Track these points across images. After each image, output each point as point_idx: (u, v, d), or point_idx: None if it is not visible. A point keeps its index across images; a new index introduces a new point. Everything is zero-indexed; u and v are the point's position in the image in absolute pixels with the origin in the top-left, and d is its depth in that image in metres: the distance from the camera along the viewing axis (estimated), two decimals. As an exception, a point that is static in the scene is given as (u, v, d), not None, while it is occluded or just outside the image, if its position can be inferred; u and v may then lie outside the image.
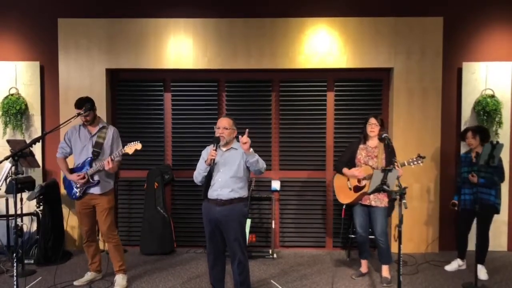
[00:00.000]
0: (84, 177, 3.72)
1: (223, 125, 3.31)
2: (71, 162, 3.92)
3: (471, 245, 4.64)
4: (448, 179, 5.05)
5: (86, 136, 3.84)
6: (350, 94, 5.17)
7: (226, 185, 3.25)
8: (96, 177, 3.77)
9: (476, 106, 4.97)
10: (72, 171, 3.82)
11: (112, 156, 3.66)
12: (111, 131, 3.87)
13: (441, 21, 4.93)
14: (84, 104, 3.74)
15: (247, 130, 3.18)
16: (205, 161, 3.27)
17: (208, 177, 3.29)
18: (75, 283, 3.96)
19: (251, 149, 3.19)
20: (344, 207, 4.30)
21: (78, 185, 3.77)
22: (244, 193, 3.35)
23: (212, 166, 3.24)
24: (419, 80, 4.95)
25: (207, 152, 3.34)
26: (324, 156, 5.19)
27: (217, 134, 3.30)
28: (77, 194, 3.81)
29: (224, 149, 3.35)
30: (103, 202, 3.82)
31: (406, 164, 3.82)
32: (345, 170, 4.05)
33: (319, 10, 5.02)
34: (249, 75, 5.20)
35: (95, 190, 3.80)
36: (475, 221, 4.19)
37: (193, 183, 3.48)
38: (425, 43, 4.93)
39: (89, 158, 3.77)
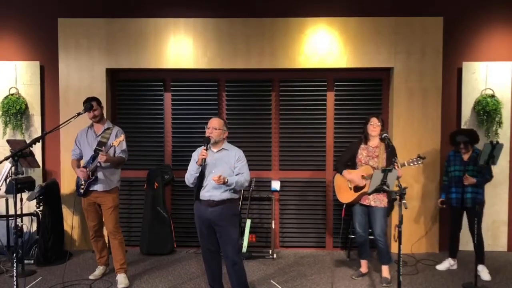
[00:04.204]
0: (86, 171, 3.82)
1: (213, 125, 3.31)
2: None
3: (462, 246, 4.68)
4: (448, 179, 5.05)
5: (93, 136, 3.95)
6: (350, 94, 5.17)
7: (218, 186, 3.24)
8: (96, 174, 3.81)
9: (476, 106, 4.97)
10: None
11: (104, 149, 3.72)
12: (115, 131, 3.95)
13: (441, 21, 4.93)
14: (86, 103, 3.86)
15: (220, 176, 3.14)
16: (196, 162, 3.26)
17: (200, 178, 3.31)
18: (90, 277, 4.09)
19: (225, 180, 3.17)
20: (344, 206, 4.30)
21: (82, 182, 3.86)
22: (236, 194, 3.36)
23: (203, 166, 3.25)
24: (419, 80, 4.95)
25: (198, 154, 3.34)
26: (324, 156, 5.19)
27: (207, 134, 3.31)
28: (81, 191, 3.89)
29: (215, 150, 3.35)
30: (107, 200, 3.88)
31: (406, 164, 3.83)
32: (345, 173, 4.04)
33: (319, 10, 5.02)
34: (249, 75, 5.20)
35: (99, 187, 3.85)
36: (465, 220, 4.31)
37: (193, 183, 3.49)
38: (425, 43, 4.93)
39: (92, 155, 3.84)
